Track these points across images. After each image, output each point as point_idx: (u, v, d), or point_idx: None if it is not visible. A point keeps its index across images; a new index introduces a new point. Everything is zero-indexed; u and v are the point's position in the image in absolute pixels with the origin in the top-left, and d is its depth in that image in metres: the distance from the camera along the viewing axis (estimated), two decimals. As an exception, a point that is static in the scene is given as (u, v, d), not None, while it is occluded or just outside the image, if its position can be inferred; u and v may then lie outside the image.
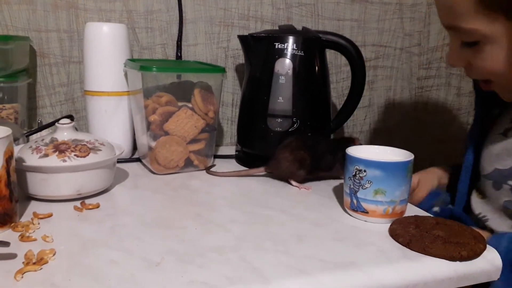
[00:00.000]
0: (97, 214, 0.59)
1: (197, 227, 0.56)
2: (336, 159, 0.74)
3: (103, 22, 0.90)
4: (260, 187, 0.72)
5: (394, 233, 0.54)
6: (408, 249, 0.51)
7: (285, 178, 0.74)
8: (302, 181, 0.73)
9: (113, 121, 0.81)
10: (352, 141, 0.75)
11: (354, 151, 0.60)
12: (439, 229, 0.52)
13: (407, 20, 1.14)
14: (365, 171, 0.57)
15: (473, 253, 0.49)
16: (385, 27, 1.13)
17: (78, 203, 0.61)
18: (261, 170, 0.76)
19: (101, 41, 0.79)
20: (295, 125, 0.80)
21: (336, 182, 0.75)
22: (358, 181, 0.58)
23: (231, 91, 1.03)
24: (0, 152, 0.50)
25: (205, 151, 0.80)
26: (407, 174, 0.57)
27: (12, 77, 0.79)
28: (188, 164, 0.79)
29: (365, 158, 0.57)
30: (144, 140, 0.77)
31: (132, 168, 0.80)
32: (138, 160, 0.84)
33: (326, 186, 0.74)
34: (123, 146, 0.73)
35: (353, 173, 0.58)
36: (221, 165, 0.84)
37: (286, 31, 0.83)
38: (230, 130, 1.05)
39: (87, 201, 0.62)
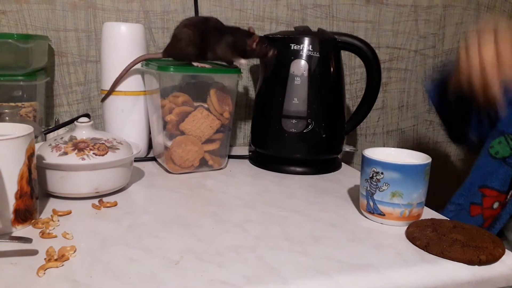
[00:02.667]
0: (115, 212, 0.59)
1: (214, 226, 0.56)
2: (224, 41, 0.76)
3: (121, 22, 0.91)
4: (274, 188, 0.73)
5: (411, 236, 0.54)
6: (425, 252, 0.50)
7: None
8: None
9: (129, 120, 0.82)
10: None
11: (371, 153, 0.60)
12: (457, 232, 0.52)
13: (422, 22, 1.14)
14: (382, 173, 0.57)
15: (492, 257, 0.49)
16: (400, 29, 1.13)
17: (96, 201, 0.62)
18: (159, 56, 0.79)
19: (119, 40, 0.80)
20: (309, 126, 0.80)
21: (351, 184, 0.75)
22: (375, 183, 0.58)
23: (244, 92, 1.04)
24: (22, 149, 0.51)
25: (219, 151, 0.81)
26: (424, 177, 0.57)
27: (31, 76, 0.80)
28: (203, 163, 0.79)
29: (382, 160, 0.57)
30: (160, 139, 0.78)
31: (147, 167, 0.80)
32: (153, 159, 0.84)
33: (341, 187, 0.74)
34: (140, 145, 0.74)
35: (370, 175, 0.58)
36: (234, 166, 0.84)
37: (302, 32, 0.83)
38: (244, 130, 1.06)
39: (105, 199, 0.63)
